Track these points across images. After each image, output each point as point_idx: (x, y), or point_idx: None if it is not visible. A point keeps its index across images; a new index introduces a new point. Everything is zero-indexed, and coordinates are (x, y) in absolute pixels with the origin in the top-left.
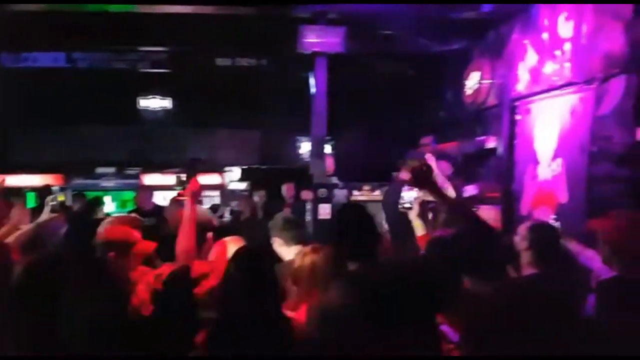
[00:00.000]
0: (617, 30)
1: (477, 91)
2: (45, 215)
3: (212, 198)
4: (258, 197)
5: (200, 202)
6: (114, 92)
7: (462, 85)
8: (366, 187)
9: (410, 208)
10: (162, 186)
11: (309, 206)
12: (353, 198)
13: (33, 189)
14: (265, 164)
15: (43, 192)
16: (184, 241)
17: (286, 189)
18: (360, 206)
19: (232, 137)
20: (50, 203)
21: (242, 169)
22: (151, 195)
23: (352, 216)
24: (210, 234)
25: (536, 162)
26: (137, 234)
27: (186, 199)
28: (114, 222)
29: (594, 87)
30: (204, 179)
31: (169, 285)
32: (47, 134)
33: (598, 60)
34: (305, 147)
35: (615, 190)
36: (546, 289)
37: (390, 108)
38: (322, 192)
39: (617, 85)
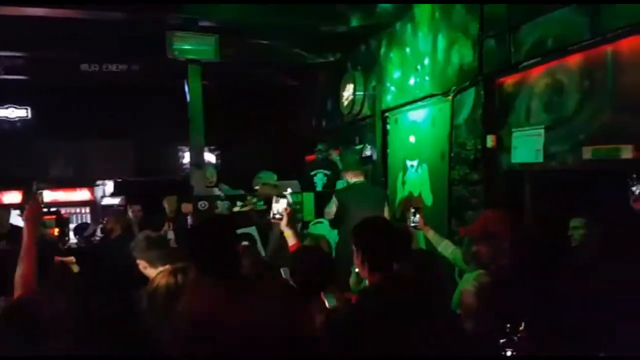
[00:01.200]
0: (467, 46)
1: (352, 102)
2: None
3: (82, 215)
4: (132, 213)
5: (44, 225)
6: None
7: (339, 96)
8: (250, 198)
9: (280, 218)
10: (15, 204)
11: (190, 220)
12: (236, 209)
13: None
14: (141, 176)
15: None
16: (24, 268)
17: (167, 202)
18: (217, 222)
19: (103, 148)
20: None
21: (115, 182)
22: (8, 215)
23: (207, 233)
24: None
25: (405, 169)
26: None
27: (25, 222)
28: None
29: (450, 99)
30: (72, 195)
31: (5, 319)
32: None
33: (452, 73)
34: (183, 157)
35: (470, 191)
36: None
37: (275, 117)
38: (203, 204)
39: (469, 97)
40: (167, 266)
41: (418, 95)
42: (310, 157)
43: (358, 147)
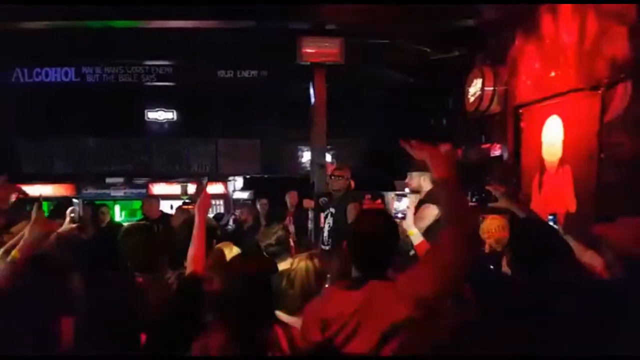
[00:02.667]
0: (621, 34)
1: (479, 98)
2: (65, 225)
3: (216, 207)
4: (260, 206)
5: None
6: (121, 105)
7: (463, 93)
8: (368, 197)
9: (403, 218)
10: (168, 195)
11: (310, 214)
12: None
13: (46, 199)
14: (266, 173)
15: (62, 202)
16: (195, 249)
17: (290, 197)
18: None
19: (234, 147)
20: (71, 215)
21: (245, 178)
22: (158, 204)
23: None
24: (215, 242)
25: (543, 170)
26: None
27: (197, 211)
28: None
29: (599, 93)
30: (208, 188)
31: (182, 290)
32: (57, 146)
33: (603, 65)
34: (306, 157)
35: (626, 197)
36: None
37: (391, 116)
38: (323, 200)
39: (624, 91)
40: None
41: (559, 90)
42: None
43: (484, 146)
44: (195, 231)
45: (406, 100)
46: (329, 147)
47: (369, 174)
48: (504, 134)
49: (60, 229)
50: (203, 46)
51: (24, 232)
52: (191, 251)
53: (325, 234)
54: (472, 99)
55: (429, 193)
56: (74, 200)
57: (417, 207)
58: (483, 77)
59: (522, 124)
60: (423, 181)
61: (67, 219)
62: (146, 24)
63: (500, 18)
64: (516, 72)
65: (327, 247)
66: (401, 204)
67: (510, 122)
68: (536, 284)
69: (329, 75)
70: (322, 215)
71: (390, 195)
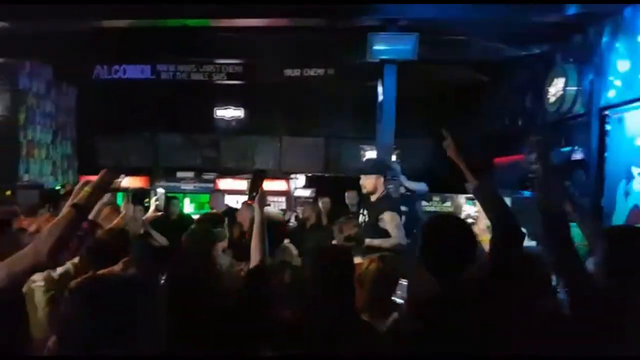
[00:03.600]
0: None
1: (561, 99)
2: (150, 212)
3: (278, 204)
4: (322, 204)
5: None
6: (192, 103)
7: (543, 92)
8: (435, 198)
9: (474, 223)
10: (234, 190)
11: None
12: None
13: (121, 190)
14: (329, 171)
15: (139, 193)
16: (256, 242)
17: (349, 196)
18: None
19: (297, 145)
20: (156, 202)
21: (307, 176)
22: (223, 198)
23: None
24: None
25: (630, 177)
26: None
27: (255, 206)
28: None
29: None
30: (270, 185)
31: (248, 281)
32: (133, 141)
33: None
34: (370, 155)
35: None
36: None
37: (461, 116)
38: None
39: None
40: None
41: None
42: (500, 159)
43: (565, 149)
44: (255, 225)
45: (479, 100)
46: (395, 146)
47: (437, 175)
48: (587, 137)
49: (146, 215)
50: (271, 45)
51: None
52: (253, 244)
53: None
54: (552, 99)
55: (385, 198)
56: (159, 190)
57: (369, 210)
58: (566, 76)
59: (609, 127)
60: (378, 183)
61: (153, 206)
62: (218, 22)
63: (586, 13)
64: (603, 71)
65: None
66: (472, 208)
67: (594, 124)
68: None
69: (398, 72)
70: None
71: (460, 198)
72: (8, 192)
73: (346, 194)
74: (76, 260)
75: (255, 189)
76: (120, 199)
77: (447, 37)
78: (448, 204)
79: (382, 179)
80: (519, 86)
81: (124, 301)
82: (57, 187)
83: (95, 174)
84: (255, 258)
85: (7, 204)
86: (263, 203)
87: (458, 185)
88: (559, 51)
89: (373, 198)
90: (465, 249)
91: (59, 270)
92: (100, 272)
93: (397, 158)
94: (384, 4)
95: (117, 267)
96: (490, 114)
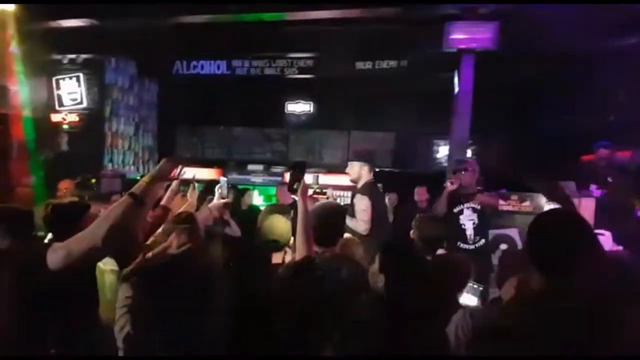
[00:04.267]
0: None
1: None
2: (216, 199)
3: (345, 199)
4: (388, 200)
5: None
6: (264, 97)
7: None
8: (514, 197)
9: None
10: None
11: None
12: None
13: (197, 181)
14: (399, 167)
15: (211, 184)
16: (301, 236)
17: (418, 193)
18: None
19: (366, 139)
20: (218, 191)
21: (374, 171)
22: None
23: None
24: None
25: None
26: None
27: (298, 198)
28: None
29: None
30: (337, 179)
31: (295, 274)
32: (208, 133)
33: None
34: (442, 151)
35: None
36: None
37: (545, 110)
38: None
39: None
40: None
41: None
42: (587, 157)
43: None
44: (299, 218)
45: (565, 93)
46: (470, 142)
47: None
48: None
49: (211, 204)
50: (343, 37)
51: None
52: (299, 238)
53: (470, 231)
54: None
55: (366, 185)
56: (222, 178)
57: (352, 199)
58: None
59: None
60: (363, 171)
61: (216, 194)
62: (293, 15)
63: None
64: None
65: (471, 246)
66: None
67: None
68: None
69: (476, 63)
70: (456, 210)
71: (541, 198)
72: (93, 180)
73: (416, 190)
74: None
75: (296, 180)
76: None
77: (531, 25)
78: (527, 203)
79: (367, 167)
80: (612, 78)
81: (194, 289)
82: (138, 177)
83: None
84: (301, 251)
85: (89, 189)
86: (305, 195)
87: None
88: None
89: (358, 185)
90: (578, 246)
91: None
92: (155, 252)
93: (472, 154)
94: None
95: (172, 248)
96: (580, 109)
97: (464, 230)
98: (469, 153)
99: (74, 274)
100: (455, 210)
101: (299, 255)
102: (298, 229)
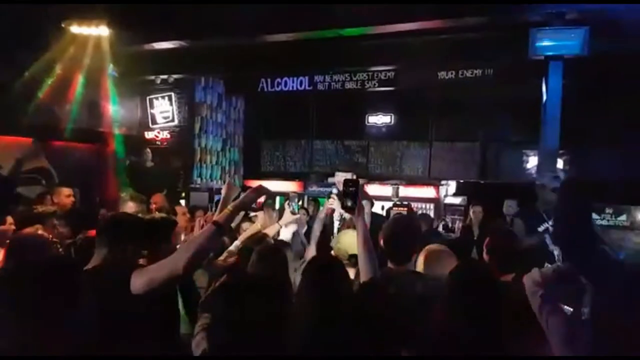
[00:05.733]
0: None
1: None
2: (286, 217)
3: (426, 211)
4: (473, 213)
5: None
6: (345, 110)
7: None
8: (608, 211)
9: None
10: (380, 196)
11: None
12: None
13: (280, 194)
14: (485, 178)
15: (285, 198)
16: (364, 258)
17: (508, 206)
18: None
19: (449, 150)
20: (288, 207)
21: (458, 183)
22: (370, 205)
23: None
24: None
25: None
26: None
27: (356, 218)
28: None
29: None
30: (418, 191)
31: (364, 295)
32: (291, 147)
33: None
34: (532, 162)
35: None
36: None
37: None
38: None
39: None
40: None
41: None
42: None
43: None
44: (359, 239)
45: None
46: (561, 151)
47: (612, 183)
48: None
49: (283, 220)
50: (424, 47)
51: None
52: (361, 261)
53: (558, 251)
54: None
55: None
56: (292, 194)
57: None
58: None
59: None
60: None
61: (287, 211)
62: (372, 29)
63: None
64: None
65: None
66: None
67: None
68: None
69: (566, 69)
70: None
71: (638, 211)
72: (183, 194)
73: (505, 202)
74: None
75: (350, 198)
76: (280, 202)
77: (622, 29)
78: (623, 217)
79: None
80: None
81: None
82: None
83: (258, 178)
84: (366, 272)
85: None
86: (361, 213)
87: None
88: None
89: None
90: None
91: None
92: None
93: (564, 164)
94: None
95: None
96: None
97: (551, 251)
98: (560, 163)
99: (156, 297)
100: (541, 228)
101: (363, 276)
102: (359, 249)
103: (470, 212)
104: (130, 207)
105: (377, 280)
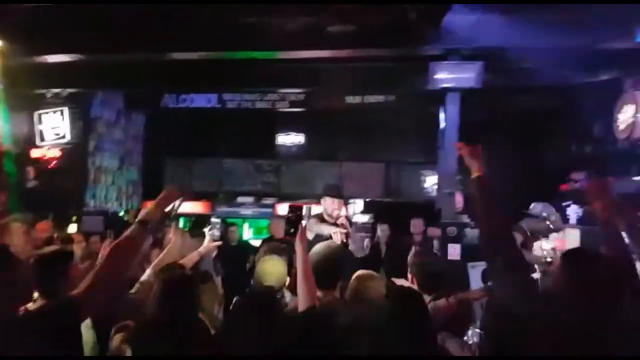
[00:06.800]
0: None
1: (631, 126)
2: (206, 243)
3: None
4: (381, 231)
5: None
6: (255, 129)
7: (613, 119)
8: None
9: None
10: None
11: (436, 244)
12: None
13: (184, 215)
14: (389, 197)
15: (199, 220)
16: (303, 285)
17: (415, 225)
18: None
19: (358, 170)
20: (210, 232)
21: (366, 202)
22: (283, 224)
23: None
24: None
25: None
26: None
27: (297, 244)
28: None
29: None
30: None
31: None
32: (197, 166)
33: None
34: (430, 181)
35: None
36: None
37: (529, 143)
38: (452, 230)
39: None
40: None
41: None
42: (565, 187)
43: (637, 178)
44: (298, 266)
45: (545, 126)
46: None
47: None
48: None
49: (202, 248)
50: (333, 73)
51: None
52: (299, 288)
53: None
54: (622, 127)
55: None
56: (213, 220)
57: None
58: (636, 103)
59: None
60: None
61: (207, 237)
62: (284, 54)
63: None
64: None
65: None
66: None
67: None
68: None
69: (461, 99)
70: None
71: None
72: (74, 218)
73: (412, 222)
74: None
75: (293, 225)
76: (184, 224)
77: (512, 64)
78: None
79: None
80: (587, 113)
81: None
82: (121, 213)
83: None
84: (304, 303)
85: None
86: (304, 241)
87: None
88: (629, 78)
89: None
90: None
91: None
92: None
93: (461, 186)
94: (446, 33)
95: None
96: (559, 141)
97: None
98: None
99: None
100: None
101: (301, 305)
102: (298, 277)
103: (378, 230)
104: (16, 234)
105: (314, 311)
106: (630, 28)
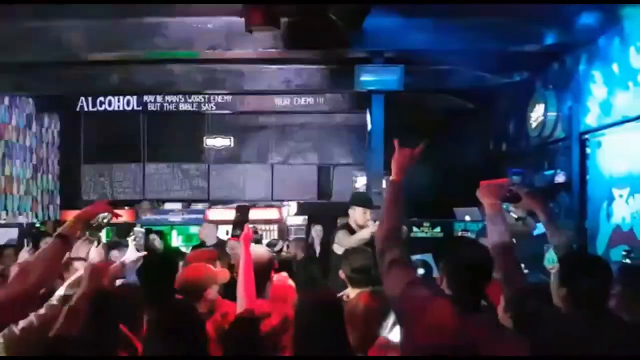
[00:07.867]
0: None
1: (542, 124)
2: (130, 254)
3: (270, 232)
4: (315, 232)
5: (259, 239)
6: (180, 133)
7: (525, 118)
8: (426, 224)
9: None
10: (225, 221)
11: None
12: (412, 235)
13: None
14: (322, 198)
15: (124, 229)
16: (244, 285)
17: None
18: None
19: (290, 173)
20: (133, 242)
21: (299, 204)
22: (215, 230)
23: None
24: (272, 273)
25: (611, 199)
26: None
27: (241, 244)
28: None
29: None
30: (262, 213)
31: (234, 330)
32: (118, 173)
33: None
34: (360, 182)
35: None
36: None
37: (449, 142)
38: None
39: None
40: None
41: (630, 115)
42: (485, 182)
43: (548, 172)
44: (241, 266)
45: (465, 126)
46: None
47: (427, 201)
48: (569, 161)
49: (125, 258)
50: (262, 75)
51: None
52: (240, 288)
53: None
54: (534, 125)
55: None
56: (136, 229)
57: None
58: (545, 102)
59: (589, 151)
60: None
61: (131, 247)
62: (209, 54)
63: (563, 42)
64: (581, 97)
65: None
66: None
67: (575, 148)
68: None
69: (387, 101)
70: None
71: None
72: None
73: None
74: (42, 311)
75: (239, 225)
76: (107, 233)
77: (432, 67)
78: (438, 229)
79: (368, 212)
80: (503, 112)
81: None
82: (37, 224)
83: (79, 208)
84: (242, 303)
85: None
86: (249, 239)
87: (448, 210)
88: (539, 78)
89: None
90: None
91: (21, 324)
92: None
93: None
94: (370, 37)
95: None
96: (478, 140)
97: None
98: (384, 184)
99: None
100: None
101: (239, 308)
102: (239, 279)
103: (312, 231)
104: None
105: (252, 315)
106: (539, 31)
